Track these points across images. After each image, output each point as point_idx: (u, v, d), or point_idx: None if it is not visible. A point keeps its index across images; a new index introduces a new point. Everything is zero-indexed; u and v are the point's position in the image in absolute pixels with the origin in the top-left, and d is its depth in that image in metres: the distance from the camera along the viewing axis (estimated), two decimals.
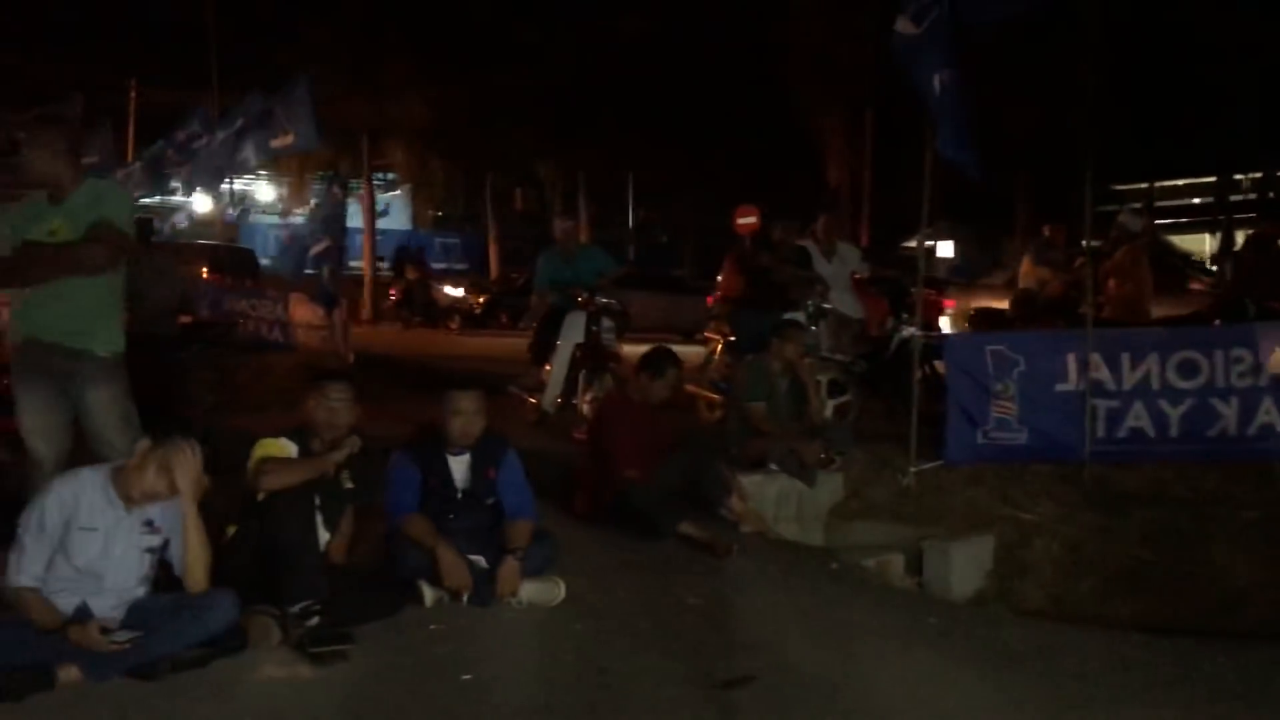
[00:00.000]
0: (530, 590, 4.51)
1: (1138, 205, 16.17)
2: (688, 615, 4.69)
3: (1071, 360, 7.03)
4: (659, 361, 6.19)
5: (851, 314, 8.90)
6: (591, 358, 8.21)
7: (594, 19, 24.44)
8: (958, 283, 20.17)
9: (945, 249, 31.00)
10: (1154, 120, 21.66)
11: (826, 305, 8.53)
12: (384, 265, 28.35)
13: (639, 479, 5.64)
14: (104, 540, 3.72)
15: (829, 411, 7.91)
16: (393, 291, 24.41)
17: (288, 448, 4.29)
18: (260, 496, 4.11)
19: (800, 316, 8.24)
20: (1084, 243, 7.96)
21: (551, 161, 29.24)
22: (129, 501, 3.75)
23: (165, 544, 3.82)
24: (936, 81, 6.53)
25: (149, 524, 3.78)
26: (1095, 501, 6.79)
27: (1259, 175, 28.94)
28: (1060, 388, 7.04)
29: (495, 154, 28.42)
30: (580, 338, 8.26)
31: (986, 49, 14.09)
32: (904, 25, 6.71)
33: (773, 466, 6.78)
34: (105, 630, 3.52)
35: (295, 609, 3.87)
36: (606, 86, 24.93)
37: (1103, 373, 7.00)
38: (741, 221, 15.11)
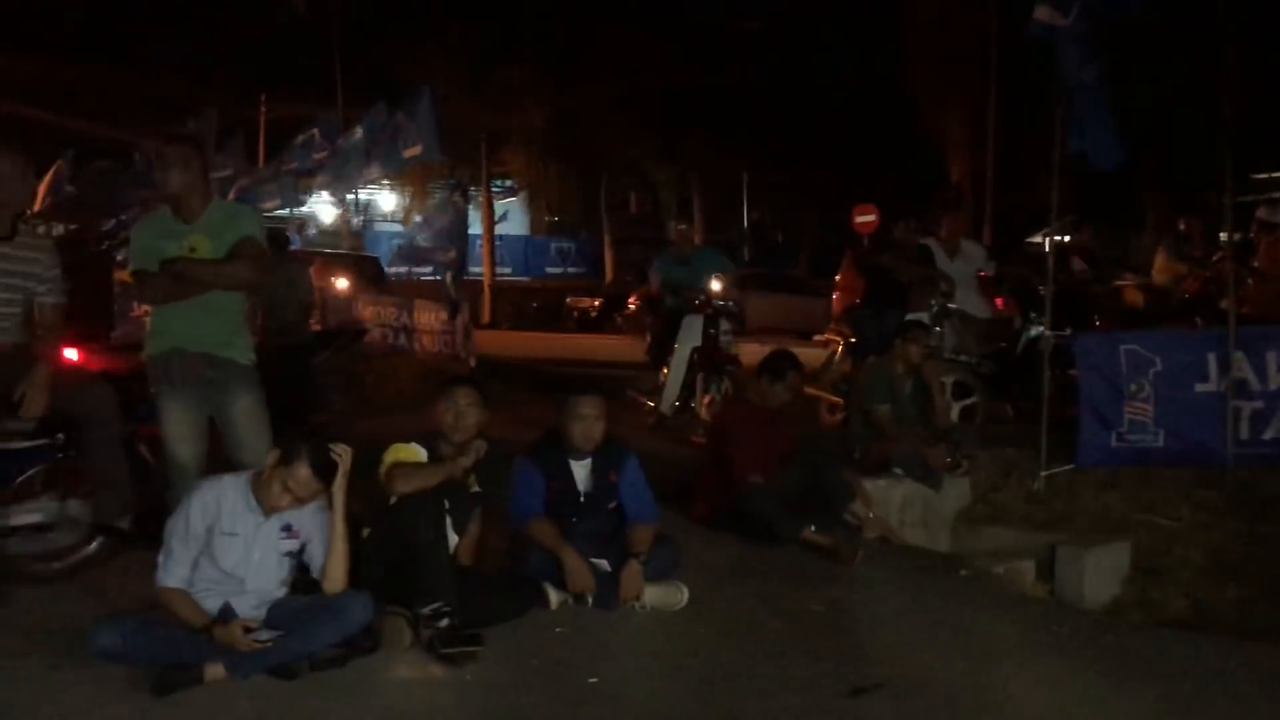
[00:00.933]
0: (653, 594, 4.53)
1: (1278, 196, 15.34)
2: (813, 621, 4.64)
3: (1212, 360, 6.73)
4: (779, 365, 6.13)
5: (977, 313, 8.69)
6: (709, 361, 8.20)
7: (707, 19, 24.42)
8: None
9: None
10: None
11: (951, 305, 8.35)
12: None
13: (760, 483, 5.61)
14: (244, 546, 3.86)
15: (955, 414, 7.74)
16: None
17: (418, 452, 4.39)
18: (392, 500, 4.21)
19: (924, 317, 8.09)
20: (1223, 236, 7.62)
21: (666, 164, 29.30)
22: (268, 508, 3.89)
23: (303, 547, 3.95)
24: (1085, 72, 6.35)
25: (287, 529, 3.91)
26: (1239, 507, 6.50)
27: None
28: (1200, 388, 6.75)
29: (611, 157, 28.63)
30: (697, 341, 8.26)
31: (1118, 31, 13.61)
32: (1048, 14, 6.50)
33: (897, 471, 6.66)
34: (248, 630, 3.66)
35: (426, 610, 3.96)
36: (721, 87, 24.85)
37: (1246, 372, 6.68)
38: (860, 220, 14.80)
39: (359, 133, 12.76)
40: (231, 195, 13.81)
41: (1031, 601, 5.69)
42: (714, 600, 4.73)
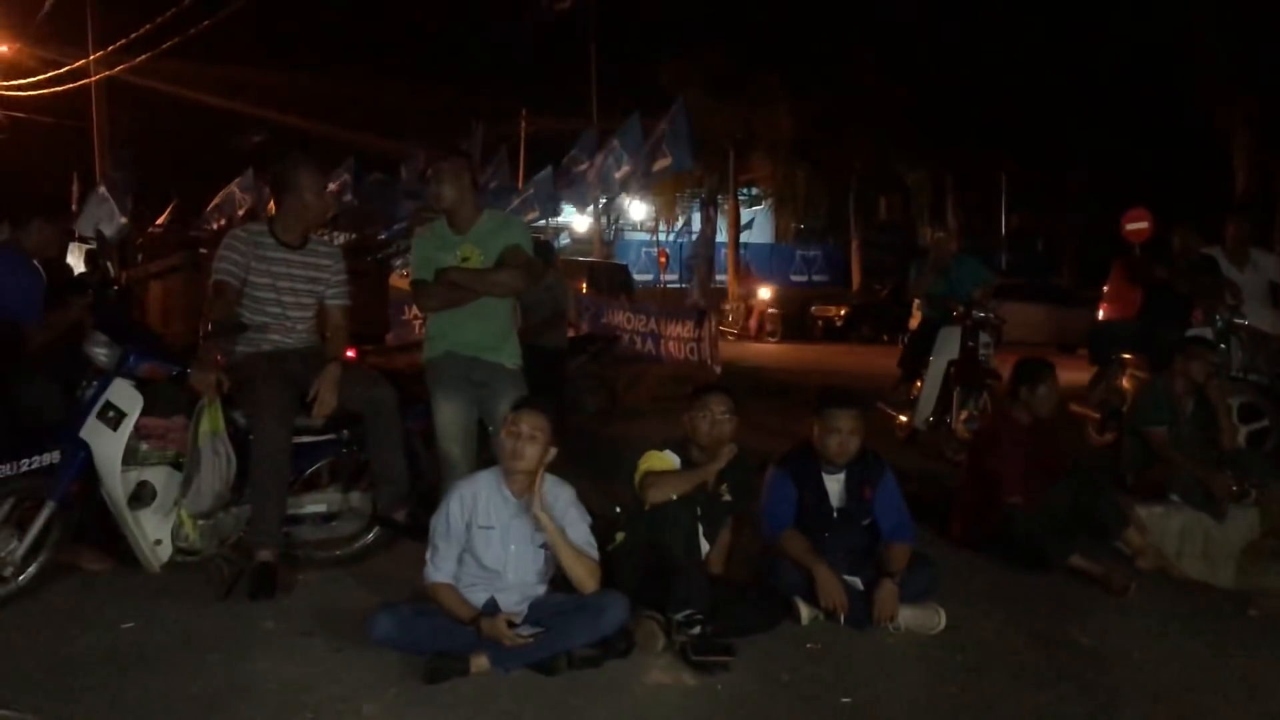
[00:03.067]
0: (909, 616, 4.39)
1: None
2: (1080, 655, 4.37)
3: None
4: (1033, 371, 5.79)
5: (1269, 329, 7.96)
6: (967, 374, 7.90)
7: (961, 17, 23.59)
8: None
9: None
10: None
11: (1239, 319, 7.68)
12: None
13: (1024, 505, 5.34)
14: (501, 537, 4.02)
15: (1242, 438, 7.13)
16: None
17: (671, 459, 4.45)
18: (646, 506, 4.28)
19: (1207, 332, 7.48)
20: None
21: (918, 168, 28.52)
22: (520, 498, 4.03)
23: None
24: None
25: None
26: None
27: None
28: None
29: (860, 162, 28.16)
30: (955, 354, 7.98)
31: None
32: None
33: (1174, 497, 6.20)
34: (511, 625, 3.81)
35: (679, 616, 3.99)
36: (975, 86, 23.95)
37: None
38: (1131, 227, 13.94)
39: (616, 144, 13.13)
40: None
41: None
42: (972, 626, 4.54)
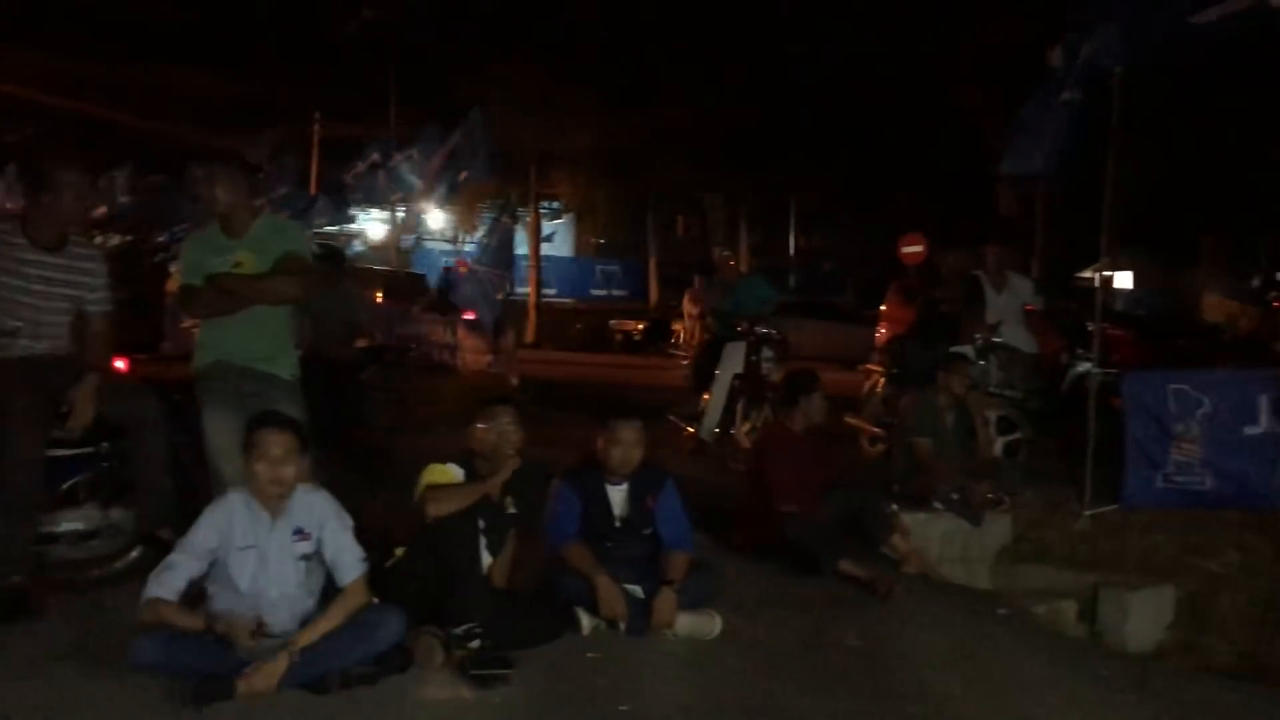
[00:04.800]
0: (686, 623, 4.50)
1: None
2: (847, 656, 4.59)
3: (1263, 401, 6.60)
4: (798, 384, 6.15)
5: (1023, 348, 8.57)
6: (750, 388, 8.18)
7: (758, 44, 24.42)
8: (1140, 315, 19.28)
9: (1124, 280, 29.69)
10: None
11: (997, 339, 8.24)
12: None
13: (798, 513, 5.57)
14: (260, 557, 3.84)
15: (998, 449, 7.64)
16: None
17: (454, 473, 4.41)
18: (427, 520, 4.22)
19: (968, 350, 8.00)
20: (1272, 277, 7.51)
21: (713, 189, 29.34)
22: (273, 513, 3.89)
23: (319, 549, 3.94)
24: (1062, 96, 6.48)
25: (298, 531, 3.91)
26: None
27: None
28: (1249, 430, 6.62)
29: (658, 182, 28.71)
30: (739, 367, 8.26)
31: (1175, 75, 13.49)
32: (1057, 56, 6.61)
33: (938, 505, 6.59)
34: (262, 633, 3.65)
35: (458, 631, 3.96)
36: (769, 113, 24.85)
37: None
38: (907, 250, 14.75)
39: (413, 154, 12.94)
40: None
41: (1072, 643, 5.60)
42: (748, 630, 4.69)
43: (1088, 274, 26.06)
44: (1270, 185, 6.65)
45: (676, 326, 20.34)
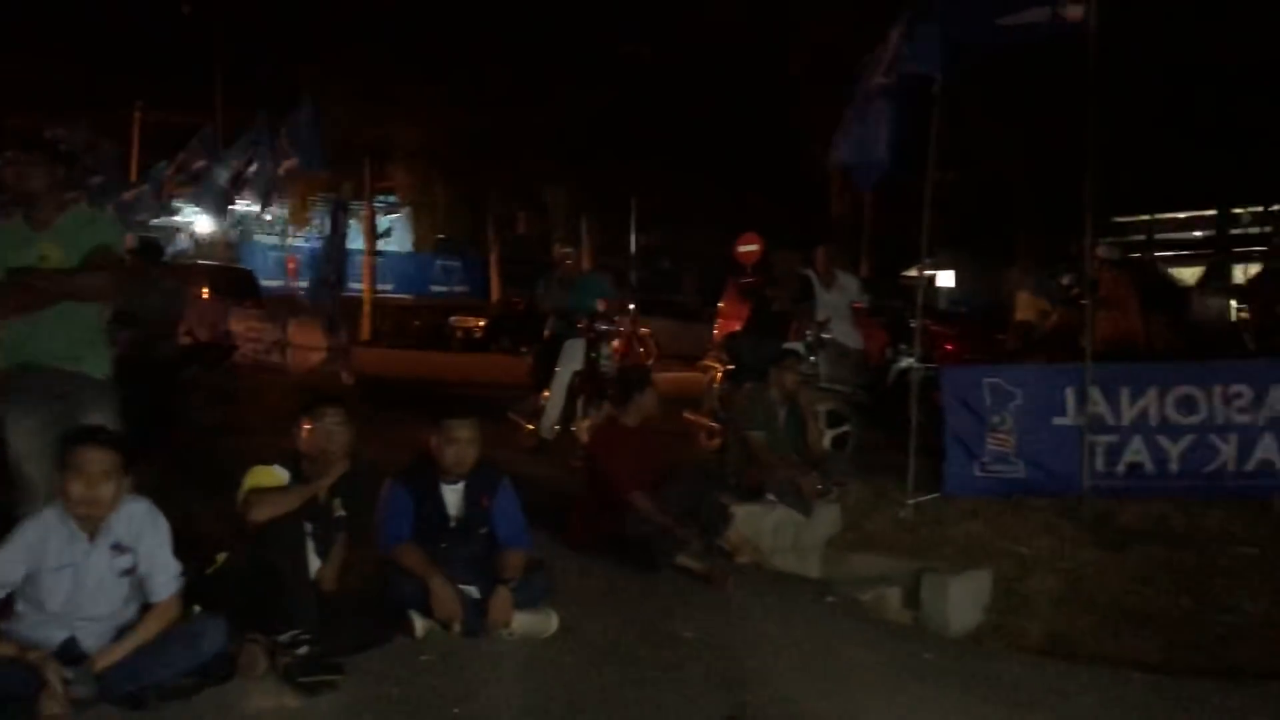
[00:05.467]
0: (522, 621, 4.47)
1: (1114, 239, 16.14)
2: (683, 648, 4.64)
3: (1069, 394, 7.01)
4: (638, 376, 6.32)
5: (851, 344, 8.88)
6: (590, 384, 8.20)
7: (599, 45, 24.52)
8: (961, 312, 20.19)
9: (946, 279, 31.08)
10: (1155, 153, 21.73)
11: (826, 335, 8.52)
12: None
13: (639, 505, 5.60)
14: (76, 575, 3.63)
15: (828, 442, 7.89)
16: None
17: (279, 475, 4.26)
18: (249, 524, 4.07)
19: (799, 346, 8.23)
20: (1080, 274, 7.97)
21: (555, 186, 29.28)
22: (91, 531, 3.68)
23: (136, 564, 3.74)
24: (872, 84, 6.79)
25: (116, 546, 3.70)
26: (1094, 537, 6.73)
27: (1260, 209, 28.97)
28: (1058, 421, 7.02)
29: (498, 178, 28.47)
30: (579, 365, 8.27)
31: (988, 75, 14.19)
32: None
33: (770, 497, 6.75)
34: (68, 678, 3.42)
35: (284, 638, 3.83)
36: (611, 112, 24.97)
37: (1101, 407, 6.98)
38: (743, 249, 15.08)
39: (238, 146, 12.46)
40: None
41: (896, 628, 5.81)
42: (586, 627, 4.70)
43: (913, 273, 27.19)
44: (1076, 187, 7.10)
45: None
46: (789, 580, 6.13)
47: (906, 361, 8.18)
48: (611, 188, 29.39)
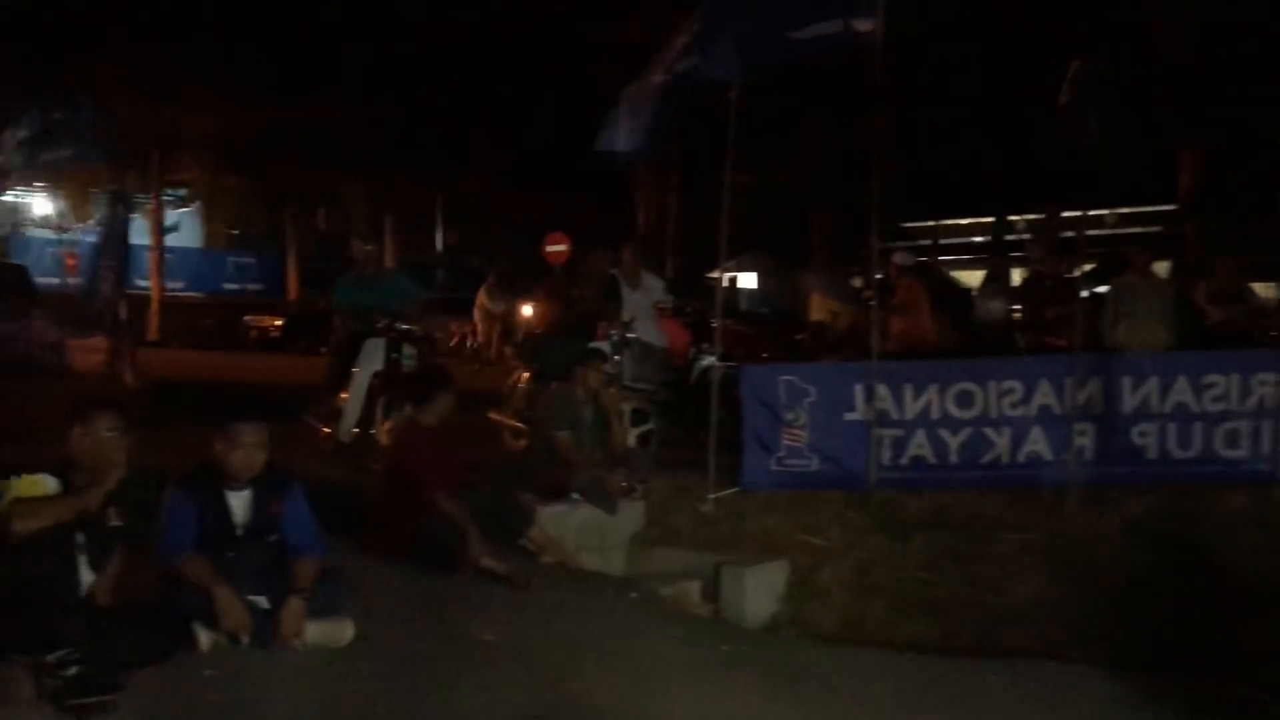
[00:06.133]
0: (316, 631, 4.31)
1: (906, 244, 17.05)
2: (484, 651, 4.60)
3: (858, 390, 7.32)
4: (438, 376, 6.26)
5: (655, 343, 9.01)
6: (391, 386, 8.00)
7: (403, 39, 23.99)
8: (762, 313, 20.89)
9: (748, 280, 32.02)
10: (940, 163, 23.02)
11: (631, 335, 8.60)
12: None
13: (441, 506, 5.51)
14: None
15: (632, 440, 7.97)
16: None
17: (46, 484, 3.96)
18: (11, 539, 3.77)
19: (605, 346, 8.29)
20: (869, 277, 8.36)
21: (356, 181, 28.46)
22: None
23: None
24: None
25: None
26: (881, 526, 7.06)
27: (1033, 217, 31.08)
28: (848, 417, 7.33)
29: (296, 172, 27.46)
30: (379, 365, 8.05)
31: (783, 82, 14.68)
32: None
33: (575, 496, 6.76)
34: None
35: (52, 658, 3.55)
36: (415, 107, 24.47)
37: (887, 403, 7.32)
38: (551, 249, 15.05)
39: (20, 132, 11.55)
40: None
41: (696, 621, 5.94)
42: (384, 634, 4.58)
43: (717, 274, 27.84)
44: (865, 193, 7.47)
45: (469, 327, 19.32)
46: (593, 578, 6.17)
47: (708, 360, 8.35)
48: (417, 184, 28.87)
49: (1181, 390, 7.32)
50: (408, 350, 8.13)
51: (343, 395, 8.21)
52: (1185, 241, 15.23)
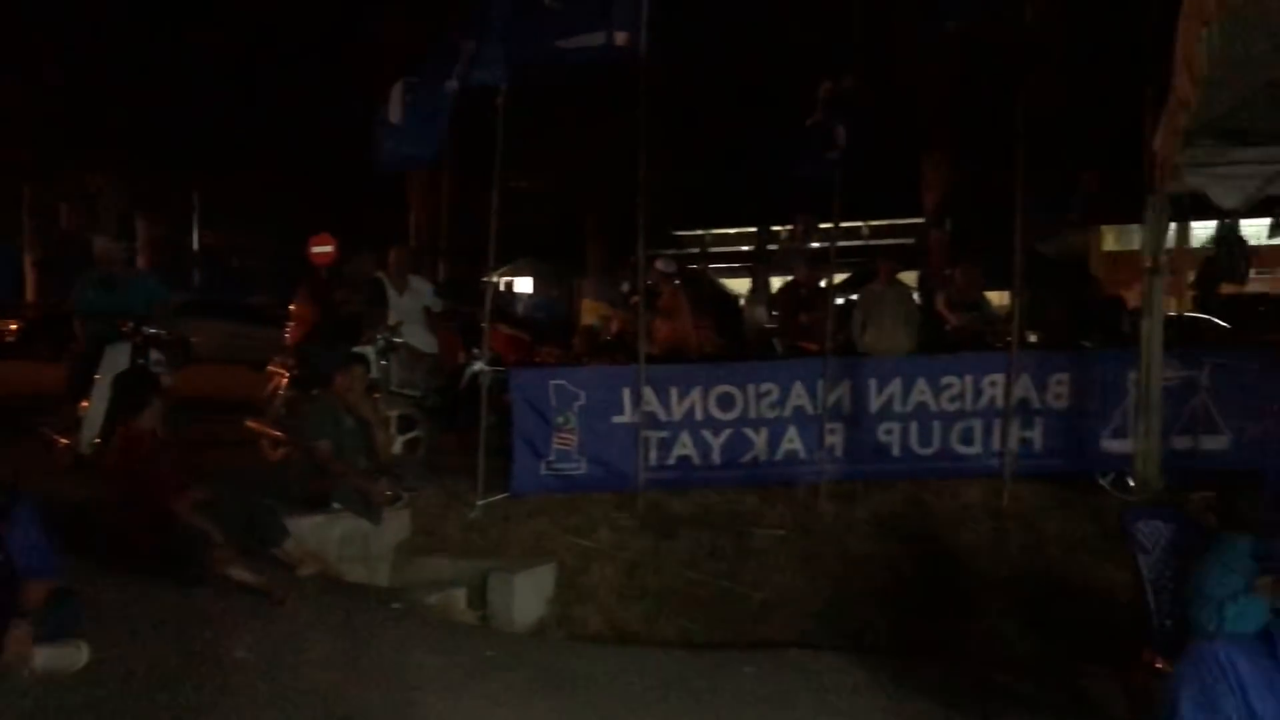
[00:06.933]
0: (46, 656, 4.01)
1: (669, 252, 17.54)
2: (236, 670, 4.39)
3: (626, 394, 7.47)
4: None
5: (424, 348, 8.87)
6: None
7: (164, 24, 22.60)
8: (538, 318, 20.86)
9: (524, 285, 32.06)
10: (710, 175, 23.76)
11: (398, 339, 8.44)
12: None
13: (181, 513, 5.23)
14: None
15: (398, 447, 7.83)
16: None
17: None
18: None
19: (369, 350, 8.09)
20: (639, 283, 8.52)
21: (104, 175, 26.54)
22: None
23: None
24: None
25: None
26: (648, 526, 7.25)
27: (795, 227, 32.54)
28: (616, 420, 7.47)
29: (33, 163, 25.34)
30: (123, 371, 7.56)
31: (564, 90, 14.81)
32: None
33: (337, 506, 6.57)
34: None
35: None
36: (168, 97, 23.09)
37: (654, 406, 7.50)
38: (317, 250, 14.56)
39: None
40: None
41: (462, 628, 5.89)
42: (125, 655, 4.31)
43: (489, 278, 27.65)
44: (628, 196, 7.63)
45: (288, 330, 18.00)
46: (356, 590, 6.00)
47: (478, 365, 8.30)
48: (170, 179, 27.26)
49: (921, 391, 7.84)
50: (155, 355, 7.68)
51: (84, 404, 7.66)
52: (929, 252, 16.27)
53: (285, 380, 8.65)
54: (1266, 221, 11.73)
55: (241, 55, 22.88)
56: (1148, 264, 5.30)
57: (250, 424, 8.44)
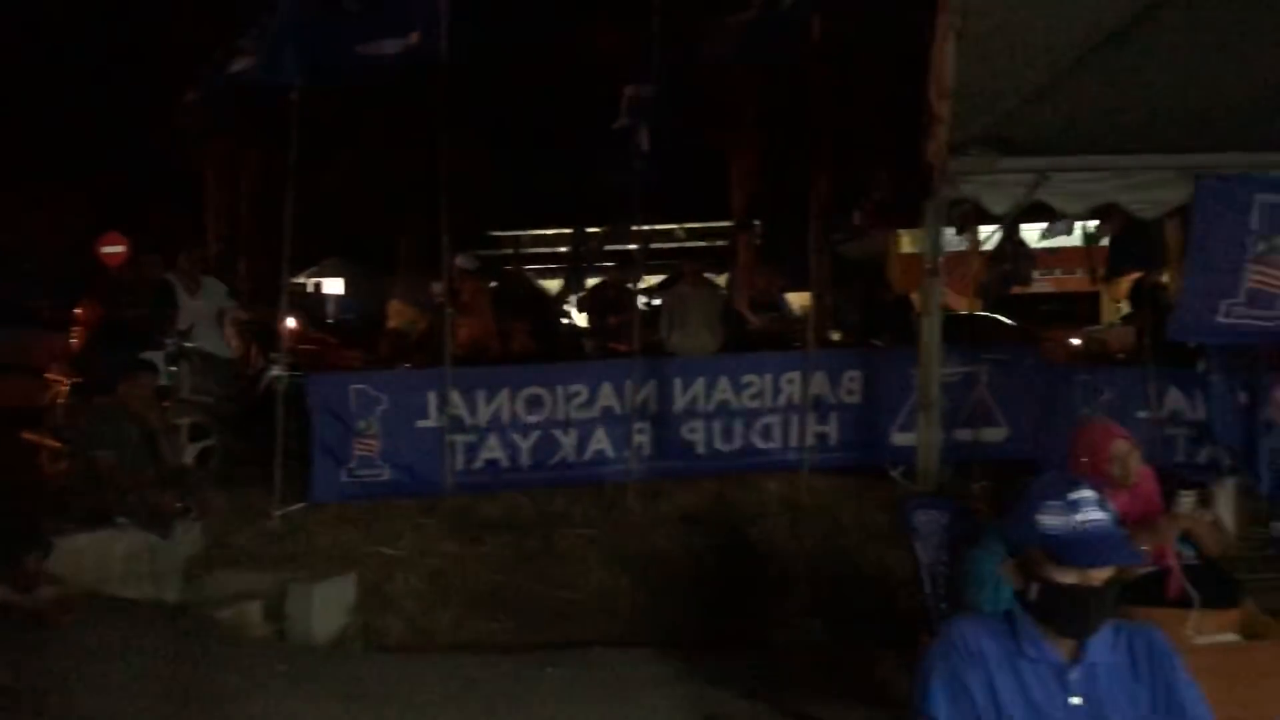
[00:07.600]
0: None
1: (484, 253, 17.49)
2: (4, 698, 4.11)
3: (432, 397, 7.38)
4: None
5: (220, 353, 8.52)
6: None
7: None
8: (349, 320, 20.31)
9: (335, 286, 31.14)
10: (525, 176, 23.72)
11: (189, 344, 8.07)
12: None
13: None
14: None
15: (190, 457, 7.48)
16: None
17: None
18: None
19: (157, 356, 7.70)
20: (443, 284, 8.42)
21: None
22: None
23: None
24: None
25: None
26: (455, 531, 7.15)
27: (603, 230, 32.81)
28: (421, 424, 7.37)
29: None
30: None
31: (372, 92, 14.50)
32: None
33: (121, 520, 6.21)
34: None
35: None
36: None
37: (460, 409, 7.43)
38: (107, 250, 13.80)
39: None
40: None
41: (257, 642, 5.68)
42: None
43: (301, 280, 26.85)
44: (437, 196, 7.52)
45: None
46: (141, 608, 5.69)
47: (276, 370, 8.01)
48: None
49: (724, 390, 8.03)
50: None
51: None
52: (735, 254, 16.69)
53: (66, 388, 8.14)
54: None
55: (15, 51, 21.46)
56: (927, 266, 5.58)
57: (27, 435, 7.91)
